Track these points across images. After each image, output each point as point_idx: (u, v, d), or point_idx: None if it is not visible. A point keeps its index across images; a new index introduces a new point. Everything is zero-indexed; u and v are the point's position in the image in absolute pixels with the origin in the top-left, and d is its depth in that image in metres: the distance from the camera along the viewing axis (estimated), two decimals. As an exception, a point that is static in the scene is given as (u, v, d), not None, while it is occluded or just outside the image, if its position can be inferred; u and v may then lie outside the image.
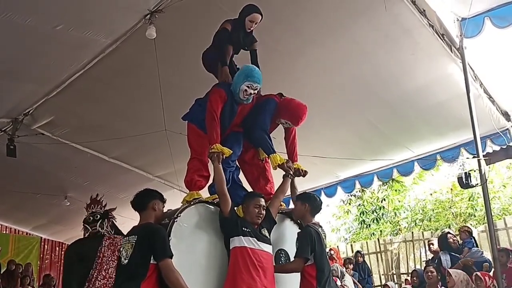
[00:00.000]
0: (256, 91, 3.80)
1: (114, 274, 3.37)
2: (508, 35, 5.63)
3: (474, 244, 6.97)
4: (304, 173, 3.98)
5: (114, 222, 4.26)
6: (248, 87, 3.73)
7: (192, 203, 3.53)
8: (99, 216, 4.06)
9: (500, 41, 5.79)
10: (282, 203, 3.98)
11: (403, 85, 6.17)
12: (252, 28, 4.19)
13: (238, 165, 4.16)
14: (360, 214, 13.38)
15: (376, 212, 13.07)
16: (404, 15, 5.20)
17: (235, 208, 3.60)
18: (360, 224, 13.49)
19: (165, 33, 5.22)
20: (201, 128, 3.84)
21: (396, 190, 13.04)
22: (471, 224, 10.63)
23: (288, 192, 4.01)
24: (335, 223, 14.54)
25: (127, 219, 4.65)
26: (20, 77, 5.88)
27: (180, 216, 3.31)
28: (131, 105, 6.65)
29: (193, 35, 5.34)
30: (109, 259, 3.52)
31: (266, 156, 3.98)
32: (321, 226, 3.74)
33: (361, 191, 12.57)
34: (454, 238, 6.97)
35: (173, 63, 5.75)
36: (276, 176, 4.15)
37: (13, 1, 4.62)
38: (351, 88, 6.20)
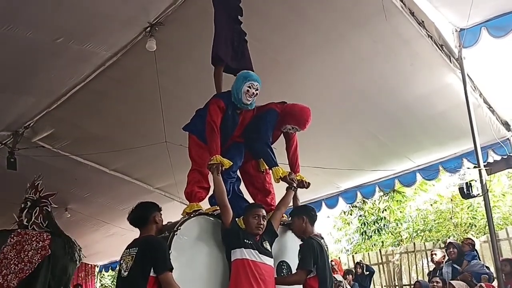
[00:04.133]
0: (257, 91, 3.79)
1: (16, 282, 3.04)
2: (506, 45, 5.66)
3: (476, 257, 6.90)
4: (307, 185, 3.97)
5: (49, 211, 3.91)
6: (249, 87, 3.73)
7: (192, 215, 3.51)
8: (29, 204, 3.75)
9: (498, 51, 5.82)
10: (283, 214, 3.96)
11: (403, 95, 6.18)
12: None
13: (239, 176, 4.14)
14: (362, 225, 13.32)
15: (378, 223, 13.01)
16: (403, 26, 5.22)
17: (236, 219, 3.58)
18: (361, 235, 13.42)
19: (165, 45, 5.26)
20: (202, 139, 3.83)
21: (397, 201, 13.00)
22: (472, 234, 10.58)
23: (291, 204, 3.98)
24: (336, 234, 14.52)
25: (127, 231, 4.63)
26: (21, 90, 5.92)
27: (180, 228, 3.28)
28: (131, 117, 6.67)
29: (193, 47, 5.38)
30: (11, 262, 3.18)
31: (268, 167, 3.96)
32: (323, 238, 3.73)
33: (362, 202, 12.53)
34: (454, 250, 6.91)
35: (173, 75, 5.79)
36: (277, 187, 4.13)
37: (14, 14, 4.66)
38: (351, 98, 6.20)
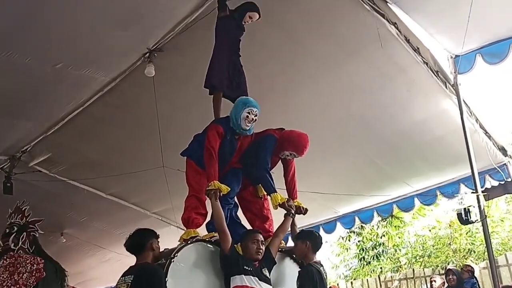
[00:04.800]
0: (256, 117, 3.82)
1: None
2: (501, 71, 5.73)
3: (476, 284, 6.82)
4: (305, 211, 3.95)
5: (36, 236, 3.89)
6: (248, 113, 3.76)
7: (189, 242, 3.48)
8: (16, 228, 3.72)
9: (493, 77, 5.89)
10: (282, 241, 3.93)
11: (400, 121, 6.22)
12: (247, 23, 4.41)
13: (237, 202, 4.12)
14: (360, 250, 13.21)
15: (376, 249, 12.91)
16: (399, 53, 5.30)
17: (235, 245, 3.55)
18: (360, 261, 13.29)
19: (164, 71, 5.31)
20: (200, 165, 3.82)
21: (395, 226, 12.93)
22: (471, 260, 10.48)
23: (289, 230, 3.96)
24: (335, 260, 14.37)
25: (123, 256, 4.57)
26: (19, 115, 5.92)
27: (177, 255, 3.25)
28: (129, 142, 6.68)
29: (192, 73, 5.40)
30: (3, 284, 3.17)
31: (265, 193, 3.95)
32: (322, 265, 3.69)
33: (360, 227, 12.46)
34: (453, 277, 6.84)
35: (171, 101, 5.82)
36: (274, 212, 4.11)
37: (13, 40, 4.69)
38: (348, 124, 6.24)
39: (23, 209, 3.59)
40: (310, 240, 3.70)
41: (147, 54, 5.19)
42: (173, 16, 4.82)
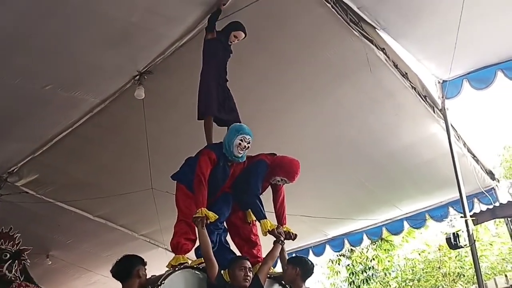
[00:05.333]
0: (249, 144, 3.81)
1: None
2: (488, 96, 5.83)
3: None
4: (294, 236, 3.91)
5: (26, 265, 3.85)
6: (241, 140, 3.75)
7: (177, 268, 3.43)
8: (8, 256, 3.69)
9: (480, 102, 6.00)
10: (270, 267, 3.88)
11: (389, 145, 6.26)
12: (233, 43, 4.45)
13: (226, 226, 4.08)
14: (350, 274, 13.12)
15: (366, 272, 12.84)
16: (387, 78, 5.37)
17: (222, 271, 3.50)
18: (350, 285, 13.18)
19: (154, 93, 5.31)
20: (190, 189, 3.78)
21: (385, 250, 12.90)
22: (461, 284, 10.46)
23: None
24: (325, 283, 14.21)
25: (109, 279, 4.49)
26: (6, 135, 5.88)
27: (163, 283, 3.18)
28: (118, 163, 6.62)
29: (181, 95, 5.44)
30: None
31: (254, 219, 3.93)
32: (311, 294, 3.65)
33: (350, 250, 12.40)
34: None
35: (160, 123, 5.81)
36: (263, 238, 4.07)
37: (2, 61, 4.68)
38: (337, 147, 6.26)
39: (14, 236, 3.54)
40: (300, 266, 3.66)
41: (137, 77, 5.20)
42: (163, 39, 4.84)
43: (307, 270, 3.69)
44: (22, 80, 4.87)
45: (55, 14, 4.28)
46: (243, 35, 4.44)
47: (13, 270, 3.43)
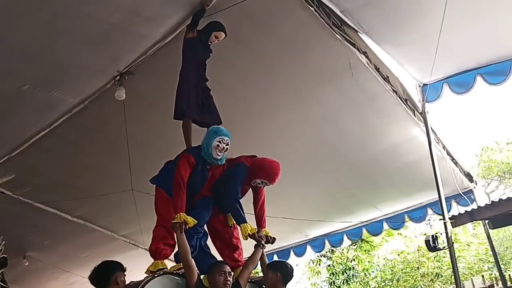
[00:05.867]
0: (228, 146, 3.78)
1: None
2: (467, 100, 5.92)
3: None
4: (272, 240, 3.91)
5: (5, 274, 3.80)
6: (219, 142, 3.72)
7: (156, 275, 3.39)
8: (1, 261, 3.65)
9: (459, 105, 6.09)
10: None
11: (370, 147, 6.31)
12: (214, 43, 4.42)
13: (206, 230, 4.05)
14: (330, 275, 13.21)
15: (346, 273, 12.95)
16: (369, 82, 5.40)
17: (202, 276, 3.48)
18: (330, 285, 13.27)
19: (135, 94, 5.23)
20: (169, 193, 3.73)
21: (365, 250, 13.03)
22: (438, 285, 10.61)
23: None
24: (305, 284, 14.28)
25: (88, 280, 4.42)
26: (-19, 136, 5.72)
27: (143, 290, 3.15)
28: (97, 164, 6.53)
29: (162, 96, 5.33)
30: None
31: (236, 223, 3.91)
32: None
33: (330, 251, 12.48)
34: None
35: (141, 123, 5.74)
36: (244, 241, 4.06)
37: (-24, 63, 4.56)
38: (319, 150, 6.29)
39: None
40: (281, 271, 3.66)
41: (118, 77, 5.11)
42: (145, 39, 4.76)
43: (288, 274, 3.69)
44: (-2, 80, 4.75)
45: (33, 14, 4.15)
46: (224, 35, 4.41)
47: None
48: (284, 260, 4.04)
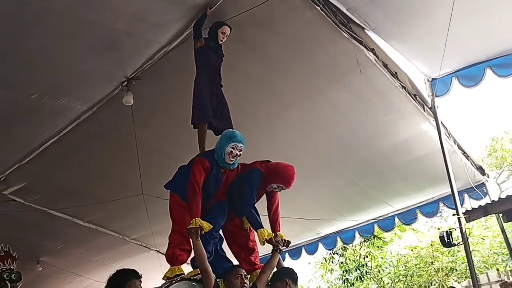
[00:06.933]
0: (241, 152, 3.76)
1: None
2: (477, 93, 5.86)
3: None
4: (287, 244, 3.89)
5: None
6: (233, 148, 3.70)
7: (173, 281, 3.38)
8: (16, 277, 3.74)
9: (469, 99, 6.04)
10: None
11: (380, 144, 6.27)
12: (223, 40, 4.42)
13: (222, 234, 4.04)
14: (343, 272, 13.18)
15: (359, 269, 12.92)
16: (377, 78, 5.36)
17: (218, 280, 3.47)
18: (344, 282, 13.25)
19: (142, 99, 5.23)
20: (184, 199, 3.72)
21: (378, 247, 12.98)
22: (453, 279, 10.54)
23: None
24: (318, 281, 14.24)
25: (101, 284, 4.44)
26: (-8, 145, 5.75)
27: (161, 297, 3.15)
28: (107, 169, 6.54)
29: (170, 100, 5.39)
30: None
31: (251, 227, 3.89)
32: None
33: (343, 248, 12.45)
34: None
35: (150, 128, 5.75)
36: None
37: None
38: (329, 148, 6.26)
39: (14, 255, 3.55)
40: (287, 276, 3.64)
41: (125, 83, 5.10)
42: (151, 44, 4.76)
43: (294, 274, 3.68)
44: (6, 90, 4.76)
45: (40, 23, 4.17)
46: (229, 28, 4.42)
47: None
48: (283, 266, 3.99)
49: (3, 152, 5.97)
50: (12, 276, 3.73)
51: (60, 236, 8.38)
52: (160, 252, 8.29)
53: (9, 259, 3.82)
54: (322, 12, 4.58)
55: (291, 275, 3.67)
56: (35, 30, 4.22)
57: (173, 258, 3.66)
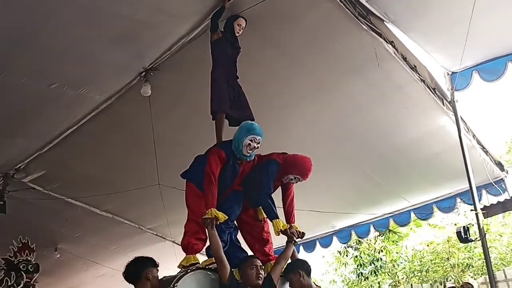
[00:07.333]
0: (259, 145, 3.77)
1: None
2: (497, 88, 5.75)
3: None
4: (302, 235, 3.89)
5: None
6: (251, 140, 3.70)
7: (189, 270, 3.41)
8: (33, 268, 3.82)
9: (490, 93, 5.92)
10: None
11: (398, 138, 6.21)
12: (240, 32, 4.46)
13: (237, 224, 4.06)
14: (358, 266, 13.14)
15: (374, 264, 12.86)
16: (396, 71, 5.29)
17: (233, 270, 3.49)
18: (358, 277, 13.22)
19: (160, 90, 5.27)
20: (200, 188, 3.74)
21: (393, 241, 12.90)
22: (469, 276, 10.43)
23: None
24: (332, 275, 14.25)
25: (117, 271, 4.51)
26: (13, 133, 5.89)
27: (176, 285, 3.18)
28: (124, 159, 6.62)
29: (187, 91, 5.43)
30: None
31: (266, 217, 3.90)
32: (321, 289, 3.65)
33: (357, 242, 12.40)
34: None
35: (167, 119, 5.79)
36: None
37: (8, 61, 4.67)
38: (346, 141, 6.22)
39: (31, 246, 3.64)
40: (300, 268, 3.64)
41: (143, 73, 5.15)
42: (169, 35, 4.79)
43: (308, 267, 3.68)
44: (28, 79, 4.86)
45: (60, 13, 4.23)
46: (244, 21, 4.44)
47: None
48: (296, 258, 3.99)
49: (24, 141, 6.09)
50: (29, 267, 3.82)
51: (77, 224, 8.52)
52: (176, 243, 8.36)
53: (27, 251, 3.91)
54: (341, 4, 4.54)
55: (305, 267, 3.68)
56: (57, 20, 4.29)
57: (188, 247, 3.70)
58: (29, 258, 3.77)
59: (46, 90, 5.03)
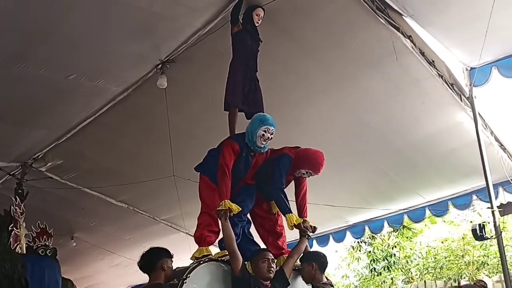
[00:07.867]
0: (272, 135, 3.78)
1: None
2: (518, 84, 5.64)
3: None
4: (314, 230, 3.90)
5: None
6: (264, 131, 3.72)
7: (202, 261, 3.45)
8: (51, 252, 3.91)
9: (509, 90, 5.81)
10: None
11: (414, 133, 6.16)
12: (260, 22, 4.46)
13: (250, 218, 4.08)
14: (371, 261, 13.09)
15: (387, 259, 12.81)
16: (414, 66, 5.24)
17: (246, 263, 3.52)
18: (370, 272, 13.17)
19: (176, 82, 5.30)
20: (214, 181, 3.77)
21: (407, 237, 12.82)
22: (484, 273, 10.31)
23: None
24: (345, 270, 14.24)
25: (132, 261, 4.58)
26: (31, 123, 5.96)
27: (189, 276, 3.22)
28: (140, 150, 6.68)
29: (203, 84, 5.44)
30: None
31: (280, 211, 3.92)
32: (332, 286, 3.66)
33: (371, 237, 12.34)
34: None
35: (182, 111, 5.83)
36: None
37: (27, 53, 4.72)
38: (361, 136, 6.19)
39: (49, 231, 3.77)
40: (316, 261, 3.67)
41: (160, 66, 5.17)
42: (186, 28, 4.79)
43: (323, 262, 3.70)
44: (47, 70, 4.90)
45: (78, 5, 4.27)
46: (262, 10, 4.44)
47: None
48: (314, 250, 4.01)
49: (42, 131, 6.18)
50: (47, 252, 3.91)
51: (93, 213, 8.62)
52: (189, 234, 8.41)
53: (45, 236, 4.00)
54: (359, -3, 4.51)
55: (320, 261, 3.68)
56: (75, 12, 4.33)
57: (201, 239, 3.73)
58: (47, 243, 3.86)
59: (64, 81, 5.08)
